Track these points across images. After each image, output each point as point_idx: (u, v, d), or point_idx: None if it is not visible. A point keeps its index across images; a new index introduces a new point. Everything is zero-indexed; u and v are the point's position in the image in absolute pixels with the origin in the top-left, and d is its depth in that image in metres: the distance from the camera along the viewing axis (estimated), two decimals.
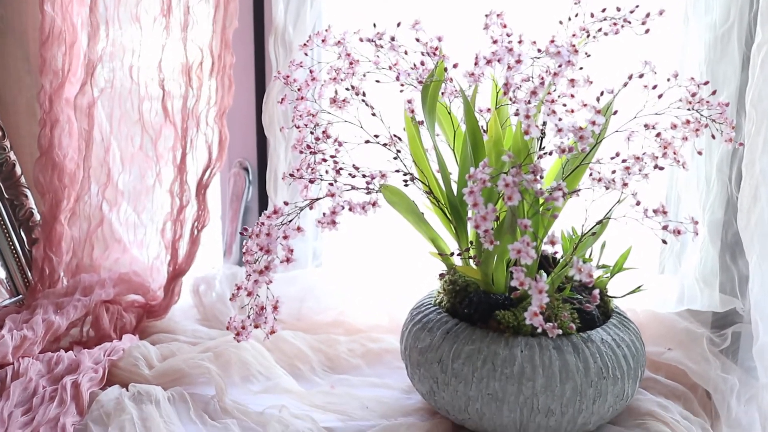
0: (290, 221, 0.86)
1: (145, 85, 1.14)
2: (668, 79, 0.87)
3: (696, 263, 1.06)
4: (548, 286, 0.74)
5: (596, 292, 0.76)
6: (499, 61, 0.83)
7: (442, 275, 0.99)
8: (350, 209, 0.84)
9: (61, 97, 1.12)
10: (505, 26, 0.84)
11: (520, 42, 0.83)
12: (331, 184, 0.95)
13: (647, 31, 0.86)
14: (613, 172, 0.91)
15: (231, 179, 1.27)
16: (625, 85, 0.86)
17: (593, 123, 0.79)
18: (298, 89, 0.98)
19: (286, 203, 0.88)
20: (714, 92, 0.86)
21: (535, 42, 0.87)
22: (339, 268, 1.24)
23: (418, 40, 0.89)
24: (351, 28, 0.98)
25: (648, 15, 0.84)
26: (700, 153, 0.91)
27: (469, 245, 0.92)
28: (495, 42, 0.84)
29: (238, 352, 1.03)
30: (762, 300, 0.96)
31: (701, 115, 0.85)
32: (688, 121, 0.85)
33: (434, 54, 0.89)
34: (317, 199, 0.89)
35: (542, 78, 0.85)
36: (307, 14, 1.09)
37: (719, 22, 0.99)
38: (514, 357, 0.86)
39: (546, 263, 0.97)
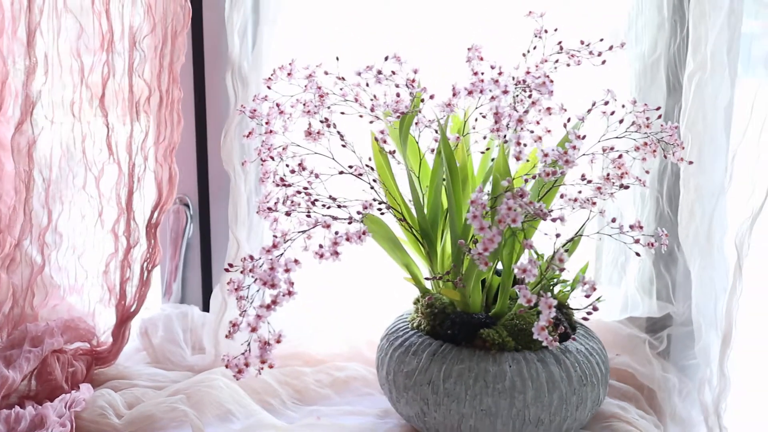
0: (281, 254, 0.86)
1: (88, 123, 1.10)
2: (623, 106, 0.95)
3: (635, 273, 1.15)
4: (556, 302, 0.78)
5: (595, 305, 0.81)
6: (481, 91, 0.88)
7: (418, 299, 1.02)
8: (347, 239, 0.85)
9: None
10: (482, 59, 0.89)
11: (500, 74, 0.88)
12: (308, 215, 0.96)
13: (604, 62, 0.94)
14: (579, 192, 0.98)
15: (171, 216, 1.24)
16: (589, 111, 0.93)
17: (573, 147, 0.85)
18: (266, 122, 0.98)
19: (275, 236, 0.88)
20: (660, 116, 0.95)
21: (509, 74, 0.92)
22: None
23: (394, 72, 0.92)
24: (313, 62, 1.00)
25: (611, 48, 0.91)
26: (647, 172, 0.99)
27: (452, 268, 0.95)
28: (476, 74, 0.88)
29: (212, 391, 1.01)
30: (703, 304, 1.05)
31: (655, 138, 0.93)
32: (645, 143, 0.93)
33: (411, 85, 0.92)
34: (308, 230, 0.89)
35: (514, 107, 0.90)
36: (262, 49, 1.09)
37: (648, 52, 1.09)
38: (504, 372, 0.90)
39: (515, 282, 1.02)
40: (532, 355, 0.93)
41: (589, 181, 0.93)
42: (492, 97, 0.86)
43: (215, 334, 1.12)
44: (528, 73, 0.88)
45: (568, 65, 0.94)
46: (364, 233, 0.87)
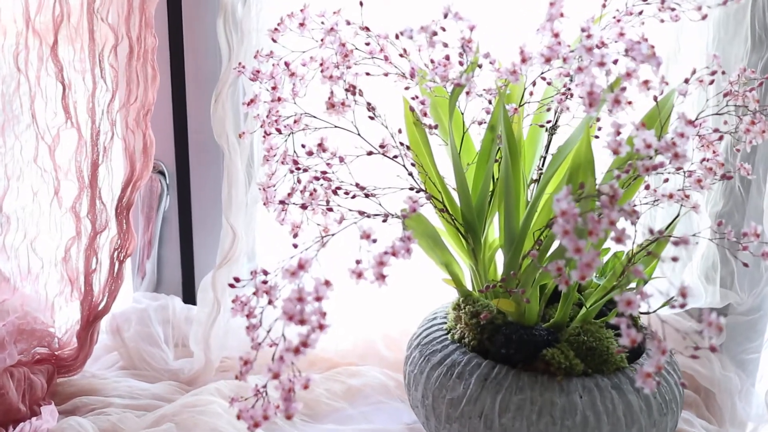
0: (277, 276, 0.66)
1: (37, 78, 0.86)
2: (723, 72, 0.76)
3: (698, 259, 0.98)
4: (671, 346, 0.61)
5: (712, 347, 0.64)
6: (565, 60, 0.68)
7: (458, 305, 0.84)
8: (394, 254, 0.66)
9: None
10: (562, 15, 0.69)
11: (589, 37, 0.68)
12: (330, 209, 0.76)
13: (704, 17, 0.74)
14: (666, 180, 0.80)
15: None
16: (687, 81, 0.74)
17: (681, 135, 0.66)
18: (273, 87, 0.77)
19: (295, 245, 0.69)
20: (762, 83, 0.77)
21: (588, 35, 0.72)
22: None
23: (444, 29, 0.71)
24: (329, 7, 0.78)
25: (725, 2, 0.72)
26: (738, 150, 0.81)
27: (509, 275, 0.77)
28: (556, 35, 0.68)
29: (206, 419, 0.83)
30: None
31: (763, 114, 0.75)
32: (753, 122, 0.75)
33: (468, 47, 0.71)
34: (338, 232, 0.70)
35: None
36: None
37: None
38: (574, 405, 0.74)
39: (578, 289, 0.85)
40: (605, 381, 0.76)
41: (687, 173, 0.75)
42: (579, 68, 0.66)
43: (205, 338, 0.92)
44: (622, 35, 0.68)
45: (662, 21, 0.74)
46: (410, 240, 0.68)
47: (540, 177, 0.84)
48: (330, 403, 0.92)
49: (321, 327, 0.64)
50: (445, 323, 0.86)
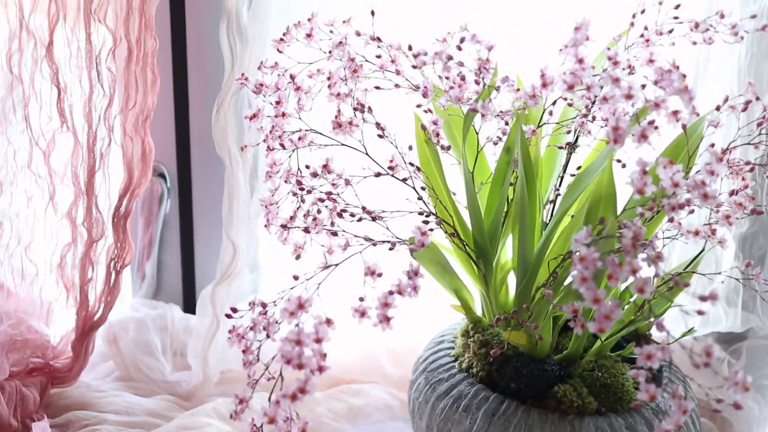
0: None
1: (31, 81, 0.82)
2: (757, 98, 0.71)
3: (719, 281, 0.94)
4: (693, 404, 0.58)
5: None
6: (589, 88, 0.63)
7: (466, 331, 0.80)
8: (399, 293, 0.62)
9: None
10: (588, 38, 0.64)
11: (615, 64, 0.63)
12: (334, 234, 0.72)
13: (741, 38, 0.69)
14: (691, 212, 0.75)
15: None
16: (718, 108, 0.69)
17: (712, 173, 0.62)
18: (278, 102, 0.73)
19: (296, 276, 0.65)
20: None
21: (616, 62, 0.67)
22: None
23: (459, 48, 0.66)
24: (339, 17, 0.73)
25: (764, 28, 0.67)
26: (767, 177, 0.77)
27: (521, 308, 0.73)
28: (580, 61, 0.63)
29: None
30: None
31: None
32: None
33: (485, 68, 0.66)
34: (341, 261, 0.66)
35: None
36: None
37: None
38: None
39: None
40: (619, 421, 0.72)
41: (716, 207, 0.70)
42: (605, 98, 0.61)
43: (204, 353, 0.89)
44: (651, 61, 0.63)
45: (695, 43, 0.69)
46: (416, 275, 0.63)
47: (557, 198, 0.80)
48: (331, 423, 0.89)
49: (321, 369, 0.60)
50: (453, 348, 0.82)
